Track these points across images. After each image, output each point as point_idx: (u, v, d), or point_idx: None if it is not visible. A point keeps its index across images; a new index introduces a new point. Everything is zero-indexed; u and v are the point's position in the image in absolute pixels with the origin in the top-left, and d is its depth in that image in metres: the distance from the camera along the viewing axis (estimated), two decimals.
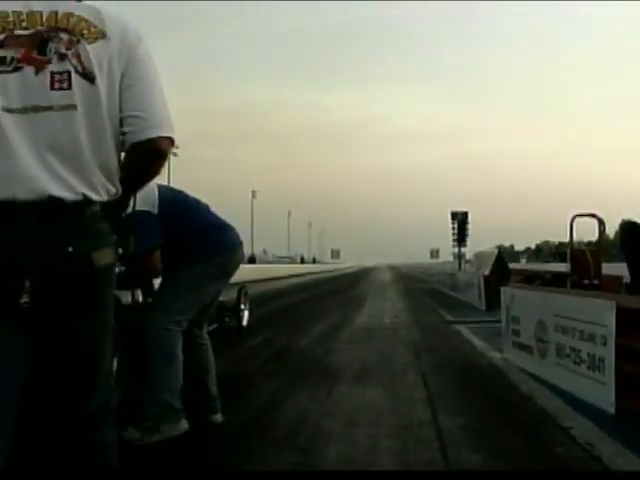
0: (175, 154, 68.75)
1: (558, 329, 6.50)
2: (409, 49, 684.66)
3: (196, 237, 4.99)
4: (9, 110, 2.16)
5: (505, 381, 7.05)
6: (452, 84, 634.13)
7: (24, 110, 2.18)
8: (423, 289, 30.85)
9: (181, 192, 5.24)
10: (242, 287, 12.31)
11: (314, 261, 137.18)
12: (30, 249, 2.14)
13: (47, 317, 2.21)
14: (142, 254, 4.66)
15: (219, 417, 5.07)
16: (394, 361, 8.43)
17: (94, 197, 2.25)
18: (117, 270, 2.53)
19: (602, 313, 5.52)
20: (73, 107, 2.22)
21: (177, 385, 4.75)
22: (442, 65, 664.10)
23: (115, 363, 5.15)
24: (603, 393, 5.40)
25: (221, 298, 12.39)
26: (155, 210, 4.78)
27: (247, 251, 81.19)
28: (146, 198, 4.67)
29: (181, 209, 5.03)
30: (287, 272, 58.18)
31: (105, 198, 2.30)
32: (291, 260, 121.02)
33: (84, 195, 2.22)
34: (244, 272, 25.13)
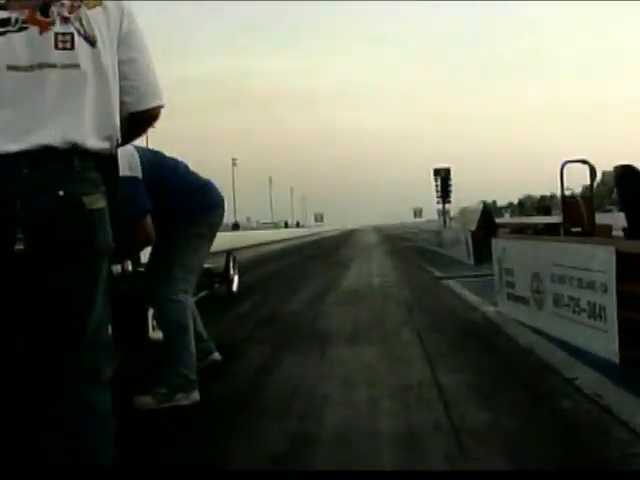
0: (153, 126, 68.64)
1: (555, 279, 6.30)
2: (375, 12, 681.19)
3: (181, 199, 4.86)
4: (15, 68, 2.22)
5: (502, 335, 6.85)
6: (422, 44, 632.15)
7: (30, 68, 2.24)
8: (409, 247, 30.67)
9: (158, 152, 5.04)
10: (230, 253, 12.15)
11: (298, 226, 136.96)
12: (21, 197, 2.15)
13: (40, 265, 2.21)
14: (134, 222, 4.54)
15: (217, 355, 5.46)
16: (387, 321, 8.21)
17: (87, 146, 2.29)
18: None
19: (601, 259, 5.32)
20: (76, 66, 2.29)
21: (193, 356, 4.75)
22: (415, 26, 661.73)
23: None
24: (606, 342, 5.21)
25: (209, 265, 12.45)
26: (140, 175, 4.60)
27: (230, 219, 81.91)
28: (129, 163, 4.52)
29: (162, 171, 4.86)
30: (271, 238, 58.02)
31: (98, 151, 2.35)
32: (275, 226, 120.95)
33: (75, 144, 2.26)
34: (228, 239, 25.03)
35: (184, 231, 4.82)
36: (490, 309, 8.30)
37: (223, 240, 12.24)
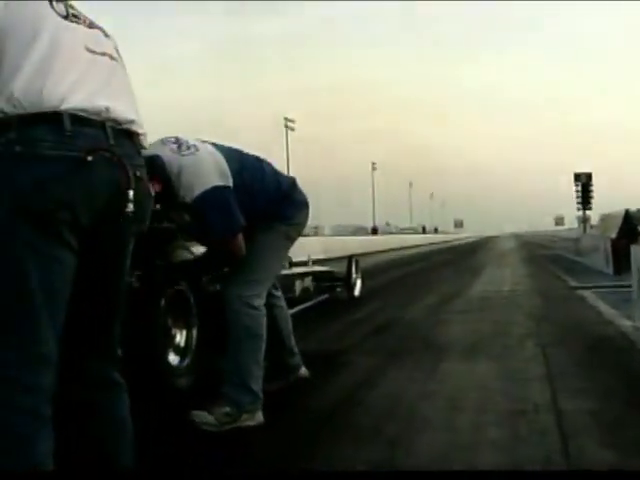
0: (292, 129, 69.19)
1: None
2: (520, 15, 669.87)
3: (268, 200, 4.36)
4: (91, 51, 2.30)
5: (638, 353, 6.08)
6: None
7: (100, 53, 2.33)
8: (546, 255, 29.41)
9: (238, 150, 4.49)
10: (352, 257, 11.71)
11: (436, 231, 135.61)
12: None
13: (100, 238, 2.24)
14: (228, 240, 4.10)
15: (305, 371, 4.96)
16: (511, 332, 7.50)
17: (139, 131, 2.38)
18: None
19: None
20: (116, 59, 2.42)
21: (261, 370, 4.21)
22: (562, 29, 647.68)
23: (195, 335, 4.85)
24: None
25: (331, 268, 12.08)
26: (231, 183, 4.11)
27: (369, 223, 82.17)
28: (218, 169, 4.09)
29: (249, 173, 4.33)
30: (407, 243, 57.41)
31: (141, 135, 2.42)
32: (413, 231, 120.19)
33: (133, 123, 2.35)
34: (364, 244, 24.72)
35: (269, 232, 4.33)
36: (626, 323, 7.47)
37: (352, 245, 11.81)
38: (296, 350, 4.91)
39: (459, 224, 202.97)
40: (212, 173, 4.02)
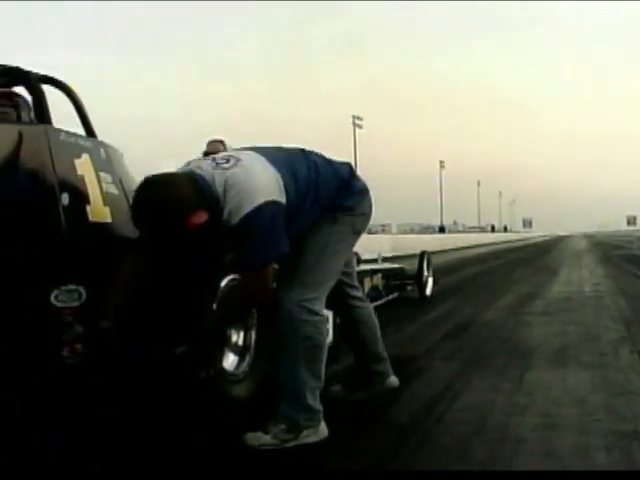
0: (360, 126, 68.40)
1: None
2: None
3: (330, 192, 3.77)
4: None
5: None
6: None
7: None
8: (623, 256, 28.33)
9: (281, 149, 3.84)
10: (424, 253, 11.08)
11: (505, 230, 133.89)
12: None
13: None
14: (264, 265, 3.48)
15: (394, 380, 4.39)
16: (601, 337, 6.84)
17: None
18: None
19: None
20: None
21: (321, 382, 3.63)
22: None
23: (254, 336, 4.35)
24: None
25: (401, 265, 11.55)
26: (284, 199, 3.49)
27: (437, 222, 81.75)
28: (271, 180, 3.48)
29: (304, 172, 3.69)
30: (476, 241, 56.51)
31: None
32: (481, 230, 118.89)
33: None
34: (432, 242, 24.25)
35: (331, 226, 3.74)
36: None
37: (421, 242, 11.25)
38: (384, 355, 4.33)
39: (528, 223, 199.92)
40: (265, 186, 3.41)
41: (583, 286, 13.15)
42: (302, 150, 3.86)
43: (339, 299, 4.11)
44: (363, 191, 3.95)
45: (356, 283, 4.30)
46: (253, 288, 3.54)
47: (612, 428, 3.73)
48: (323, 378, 3.65)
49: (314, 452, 3.43)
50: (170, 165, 3.85)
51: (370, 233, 43.24)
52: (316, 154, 3.88)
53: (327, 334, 3.74)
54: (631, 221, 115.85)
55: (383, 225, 68.51)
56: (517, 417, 4.00)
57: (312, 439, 3.51)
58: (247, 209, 3.32)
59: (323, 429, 3.56)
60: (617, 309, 9.25)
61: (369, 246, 15.24)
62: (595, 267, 20.30)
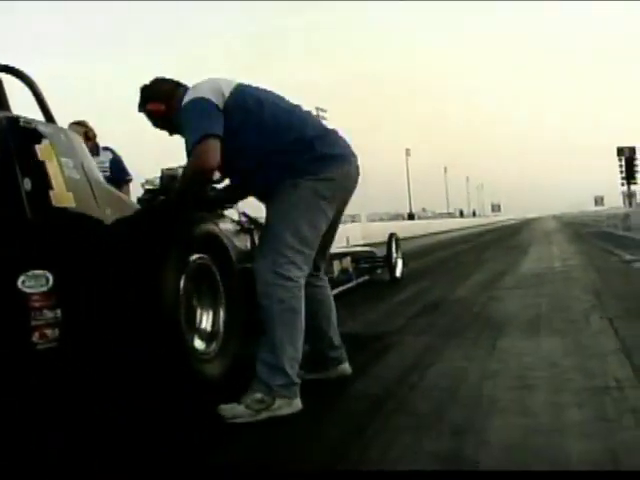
0: (324, 118, 68.39)
1: None
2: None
3: (298, 148, 3.80)
4: None
5: None
6: None
7: None
8: (592, 233, 28.55)
9: (265, 91, 4.03)
10: (393, 234, 11.10)
11: (474, 215, 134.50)
12: None
13: None
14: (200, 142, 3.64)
15: (347, 367, 4.29)
16: (572, 307, 6.88)
17: None
18: None
19: None
20: None
21: (297, 353, 3.65)
22: None
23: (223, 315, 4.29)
24: None
25: (370, 248, 11.57)
26: (210, 97, 3.73)
27: (405, 209, 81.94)
28: (213, 87, 3.82)
29: (273, 111, 3.85)
30: (445, 227, 56.69)
31: None
32: (450, 216, 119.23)
33: None
34: (402, 229, 24.26)
35: (294, 190, 3.75)
36: None
37: (391, 229, 11.26)
38: (338, 343, 4.28)
39: (497, 208, 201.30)
40: (204, 89, 3.77)
41: (553, 262, 13.22)
42: (289, 103, 4.05)
43: None
44: (332, 157, 3.88)
45: (322, 264, 4.28)
46: (195, 165, 3.67)
47: (584, 386, 3.76)
48: (301, 350, 3.66)
49: (287, 422, 3.43)
50: None
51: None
52: (304, 111, 4.07)
53: (302, 301, 3.72)
54: (599, 201, 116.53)
55: (352, 216, 68.26)
56: (490, 381, 4.01)
57: (285, 411, 3.51)
58: (185, 101, 3.77)
59: (297, 403, 3.57)
60: (588, 281, 9.30)
61: (338, 236, 15.27)
62: (565, 244, 20.46)
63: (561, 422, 3.18)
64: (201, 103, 3.69)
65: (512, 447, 2.88)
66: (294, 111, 3.97)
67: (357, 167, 4.05)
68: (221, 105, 3.72)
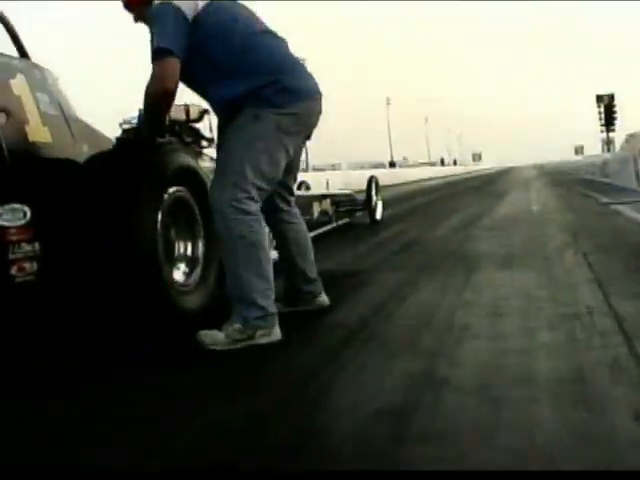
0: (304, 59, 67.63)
1: None
2: None
3: (262, 74, 3.75)
4: None
5: None
6: None
7: None
8: (571, 179, 28.55)
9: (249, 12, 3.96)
10: (372, 177, 11.13)
11: (455, 164, 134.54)
12: None
13: None
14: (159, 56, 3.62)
15: (325, 299, 4.31)
16: (547, 244, 6.95)
17: None
18: None
19: None
20: None
21: (267, 283, 3.63)
22: None
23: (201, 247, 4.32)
24: None
25: (349, 190, 11.59)
26: (190, 11, 3.66)
27: (387, 158, 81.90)
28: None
29: (245, 31, 3.81)
30: (426, 175, 56.71)
31: None
32: (431, 164, 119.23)
33: None
34: (384, 176, 24.31)
35: (255, 121, 3.70)
36: None
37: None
38: (313, 276, 4.26)
39: (477, 157, 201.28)
40: None
41: (531, 205, 13.28)
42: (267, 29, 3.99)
43: (271, 212, 4.05)
44: (300, 91, 3.84)
45: (291, 199, 4.25)
46: (154, 88, 3.64)
47: (555, 313, 3.83)
48: (271, 279, 3.69)
49: (263, 349, 3.48)
50: None
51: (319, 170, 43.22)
52: (281, 40, 3.99)
53: (264, 234, 3.72)
54: (579, 150, 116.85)
55: (333, 165, 68.10)
56: (463, 310, 4.08)
57: (265, 340, 3.55)
58: (155, 2, 3.70)
59: (277, 332, 3.60)
60: (564, 222, 9.36)
61: (319, 182, 15.28)
62: (544, 190, 20.53)
63: (531, 345, 3.25)
64: (169, 10, 3.62)
65: (483, 367, 2.95)
66: (267, 36, 3.92)
67: (321, 104, 4.00)
68: (191, 16, 3.64)
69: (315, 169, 45.92)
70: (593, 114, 47.95)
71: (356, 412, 2.52)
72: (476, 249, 6.96)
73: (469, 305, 4.21)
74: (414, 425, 2.35)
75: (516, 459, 2.03)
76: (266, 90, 3.71)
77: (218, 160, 3.88)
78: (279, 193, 4.09)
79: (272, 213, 4.08)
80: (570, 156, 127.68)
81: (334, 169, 57.71)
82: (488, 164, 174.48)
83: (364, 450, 2.19)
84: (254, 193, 3.64)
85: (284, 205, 4.15)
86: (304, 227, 4.34)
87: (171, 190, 3.99)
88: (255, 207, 3.65)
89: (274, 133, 3.72)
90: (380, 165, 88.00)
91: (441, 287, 4.87)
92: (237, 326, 3.52)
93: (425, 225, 10.39)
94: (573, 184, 23.27)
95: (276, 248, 4.37)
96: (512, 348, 3.20)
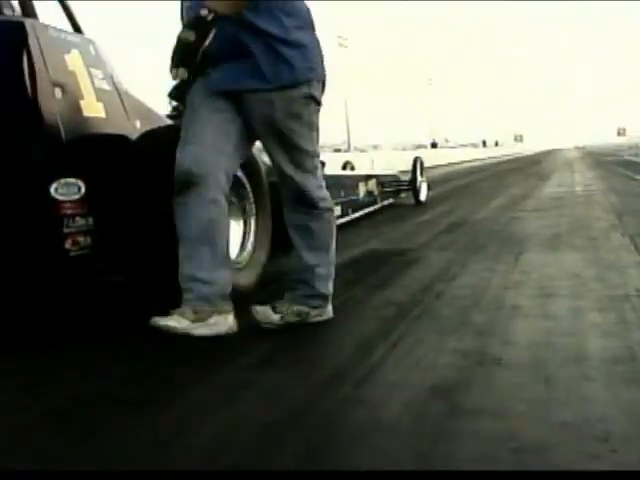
0: (345, 45, 67.24)
1: None
2: None
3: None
4: None
5: None
6: None
7: None
8: (614, 161, 28.33)
9: None
10: (417, 158, 11.10)
11: (496, 145, 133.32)
12: None
13: None
14: None
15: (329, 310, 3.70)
16: (592, 226, 6.94)
17: None
18: None
19: None
20: None
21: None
22: None
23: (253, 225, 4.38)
24: None
25: (394, 172, 11.59)
26: None
27: (429, 139, 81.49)
28: None
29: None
30: (469, 157, 56.36)
31: None
32: (473, 146, 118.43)
33: None
34: (428, 156, 24.20)
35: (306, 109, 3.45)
36: None
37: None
38: (324, 290, 3.65)
39: (519, 138, 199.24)
40: None
41: (575, 187, 13.22)
42: None
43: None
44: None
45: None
46: None
47: (604, 294, 3.84)
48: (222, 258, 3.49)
49: (316, 330, 3.52)
50: None
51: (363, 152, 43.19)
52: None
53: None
54: (621, 132, 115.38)
55: (375, 145, 67.99)
56: (513, 290, 4.11)
57: (318, 318, 3.56)
58: None
59: (329, 311, 3.62)
60: (609, 203, 9.33)
61: (362, 163, 15.31)
62: (586, 172, 20.39)
63: (582, 324, 3.27)
64: None
65: (534, 346, 2.97)
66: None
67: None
68: None
69: (356, 150, 45.86)
70: (636, 97, 47.41)
71: (411, 387, 2.55)
72: (522, 229, 6.95)
73: (518, 285, 4.22)
74: (468, 401, 2.38)
75: (569, 434, 2.06)
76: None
77: None
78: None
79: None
80: (613, 138, 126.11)
81: (376, 148, 57.66)
82: (529, 146, 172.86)
83: (420, 424, 2.22)
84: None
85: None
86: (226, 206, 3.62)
87: None
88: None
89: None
90: (422, 146, 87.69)
91: (489, 267, 4.88)
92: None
93: (470, 205, 10.36)
94: (615, 165, 23.10)
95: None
96: (563, 328, 3.22)
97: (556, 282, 4.24)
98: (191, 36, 3.15)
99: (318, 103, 3.49)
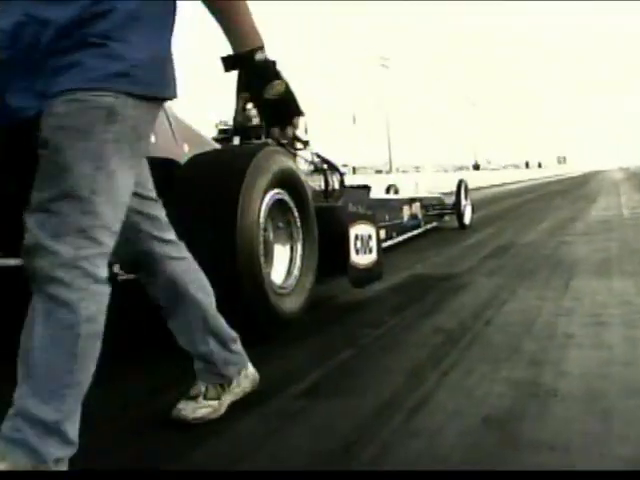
0: (386, 66, 67.18)
1: None
2: None
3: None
4: None
5: None
6: None
7: None
8: None
9: None
10: (462, 181, 11.00)
11: (539, 167, 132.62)
12: None
13: None
14: None
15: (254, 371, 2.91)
16: None
17: None
18: None
19: None
20: None
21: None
22: None
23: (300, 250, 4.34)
24: None
25: (438, 194, 11.54)
26: None
27: (471, 161, 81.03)
28: None
29: None
30: (512, 178, 56.05)
31: None
32: (515, 167, 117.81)
33: None
34: (471, 178, 24.17)
35: None
36: None
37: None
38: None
39: (562, 160, 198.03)
40: None
41: (622, 210, 13.06)
42: None
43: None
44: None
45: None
46: None
47: None
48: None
49: (365, 357, 3.49)
50: None
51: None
52: None
53: None
54: None
55: (417, 167, 67.91)
56: (565, 317, 4.04)
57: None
58: None
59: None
60: None
61: (405, 185, 15.27)
62: (633, 194, 20.12)
63: (638, 354, 3.21)
64: None
65: (589, 376, 2.92)
66: None
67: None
68: None
69: (398, 171, 45.82)
70: None
71: (464, 417, 2.52)
72: (571, 255, 6.86)
73: (569, 313, 4.16)
74: (523, 433, 2.34)
75: (631, 470, 2.01)
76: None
77: None
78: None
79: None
80: None
81: (417, 170, 57.50)
82: (573, 167, 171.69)
83: (476, 454, 2.18)
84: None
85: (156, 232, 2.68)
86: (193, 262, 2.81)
87: (271, 192, 4.01)
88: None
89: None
90: (463, 167, 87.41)
91: (539, 294, 4.82)
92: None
93: (516, 229, 10.27)
94: None
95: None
96: (618, 357, 3.16)
97: (609, 310, 4.17)
98: (281, 86, 2.42)
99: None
